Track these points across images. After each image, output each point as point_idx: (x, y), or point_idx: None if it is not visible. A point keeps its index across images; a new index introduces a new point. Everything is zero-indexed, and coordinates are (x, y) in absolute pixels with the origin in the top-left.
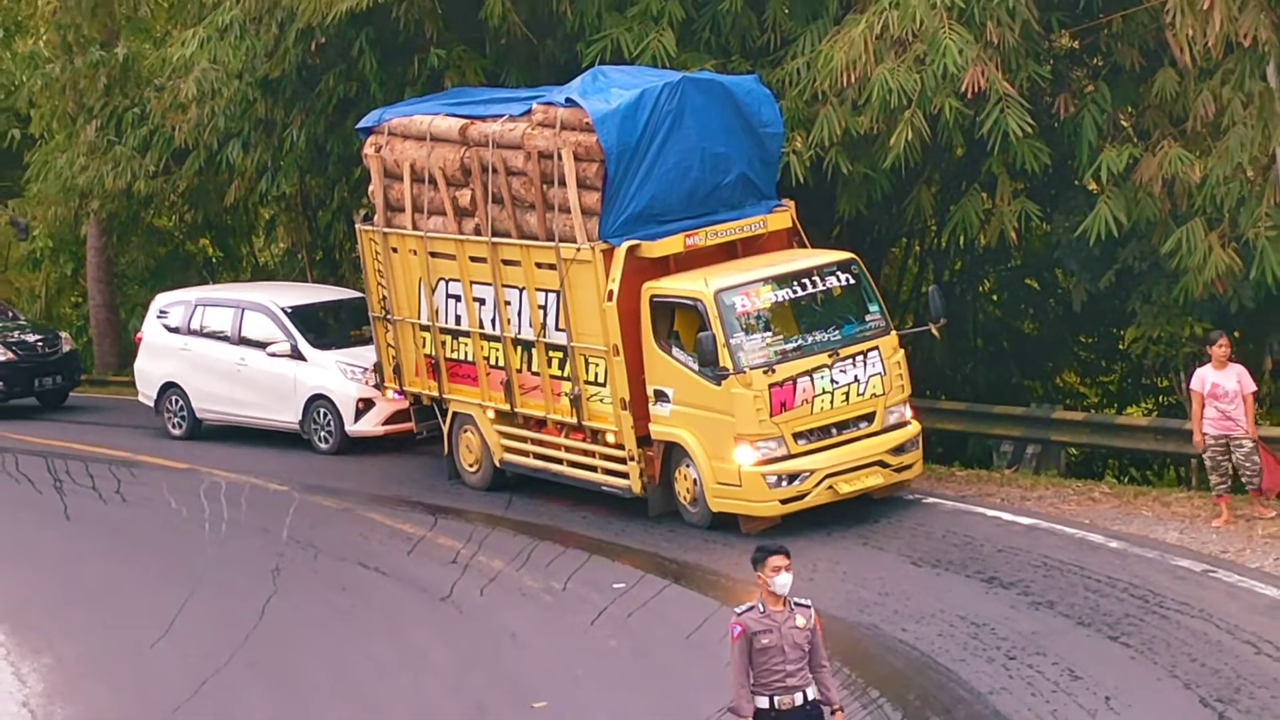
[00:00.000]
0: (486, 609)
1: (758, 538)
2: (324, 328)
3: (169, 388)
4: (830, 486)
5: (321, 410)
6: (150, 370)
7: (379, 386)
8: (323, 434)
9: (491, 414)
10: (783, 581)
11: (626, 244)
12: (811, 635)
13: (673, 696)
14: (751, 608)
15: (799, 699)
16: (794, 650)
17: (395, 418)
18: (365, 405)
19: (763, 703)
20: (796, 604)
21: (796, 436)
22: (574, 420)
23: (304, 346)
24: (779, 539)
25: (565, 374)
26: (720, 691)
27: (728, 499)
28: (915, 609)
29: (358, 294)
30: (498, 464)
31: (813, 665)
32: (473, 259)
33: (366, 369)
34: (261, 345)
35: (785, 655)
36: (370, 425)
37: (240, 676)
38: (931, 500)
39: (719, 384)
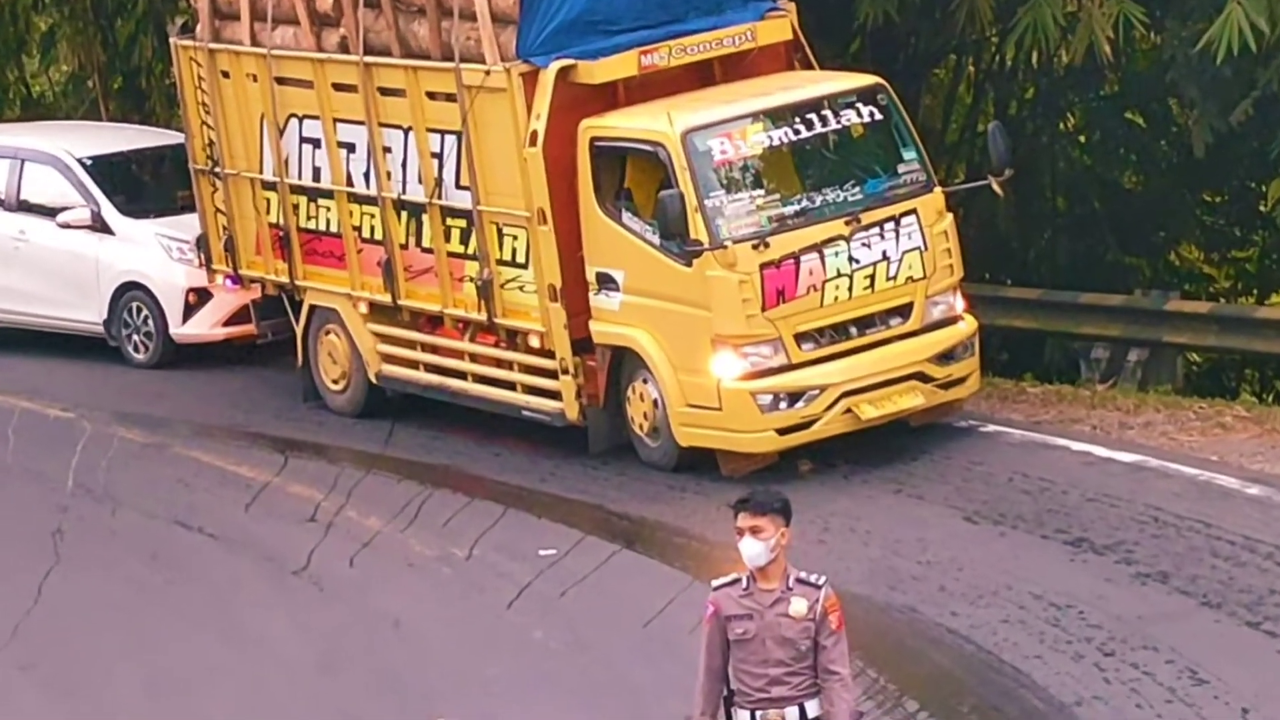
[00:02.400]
0: (359, 586)
1: (744, 483)
2: (139, 187)
3: None
4: (849, 410)
5: (136, 305)
6: None
7: (208, 269)
8: (137, 339)
9: (364, 308)
10: (750, 550)
11: (556, 64)
12: (815, 629)
13: (624, 711)
14: (735, 581)
15: (792, 715)
16: (782, 647)
17: (239, 316)
18: (198, 298)
19: (744, 717)
20: (799, 582)
21: (800, 339)
22: (482, 317)
23: (111, 214)
24: (773, 485)
25: (470, 251)
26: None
27: (702, 428)
28: (970, 584)
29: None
30: (373, 379)
31: (820, 671)
32: (337, 87)
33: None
34: (49, 212)
35: (769, 653)
36: (204, 327)
37: (9, 683)
38: (993, 429)
39: (689, 264)
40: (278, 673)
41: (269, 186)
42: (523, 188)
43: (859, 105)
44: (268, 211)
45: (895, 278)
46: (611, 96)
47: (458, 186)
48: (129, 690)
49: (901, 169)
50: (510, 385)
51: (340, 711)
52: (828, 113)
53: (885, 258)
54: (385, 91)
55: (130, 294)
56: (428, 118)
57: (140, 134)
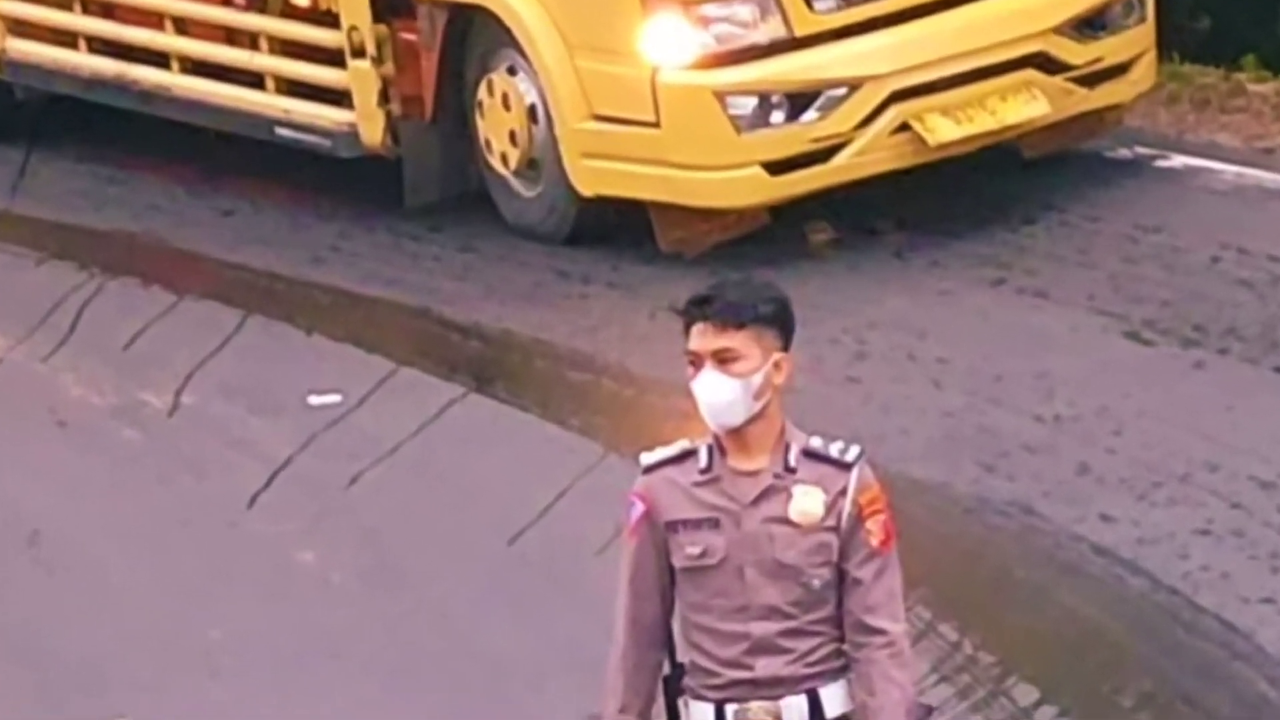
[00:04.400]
0: None
1: (702, 269)
2: None
3: None
4: (906, 127)
5: None
6: None
7: None
8: None
9: None
10: (714, 394)
11: None
12: (841, 547)
13: (464, 702)
14: (685, 455)
15: (792, 712)
16: (775, 583)
17: None
18: None
19: (703, 714)
20: (810, 456)
21: None
22: None
23: None
24: (759, 273)
25: None
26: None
27: (622, 162)
28: (1137, 461)
29: None
30: None
31: (849, 629)
32: None
33: None
34: None
35: (750, 595)
36: None
37: None
38: (1181, 164)
39: None
40: None
41: None
42: None
43: None
44: None
45: None
46: None
47: None
48: None
49: None
50: (254, 80)
51: None
52: None
53: None
54: None
55: None
56: None
57: None
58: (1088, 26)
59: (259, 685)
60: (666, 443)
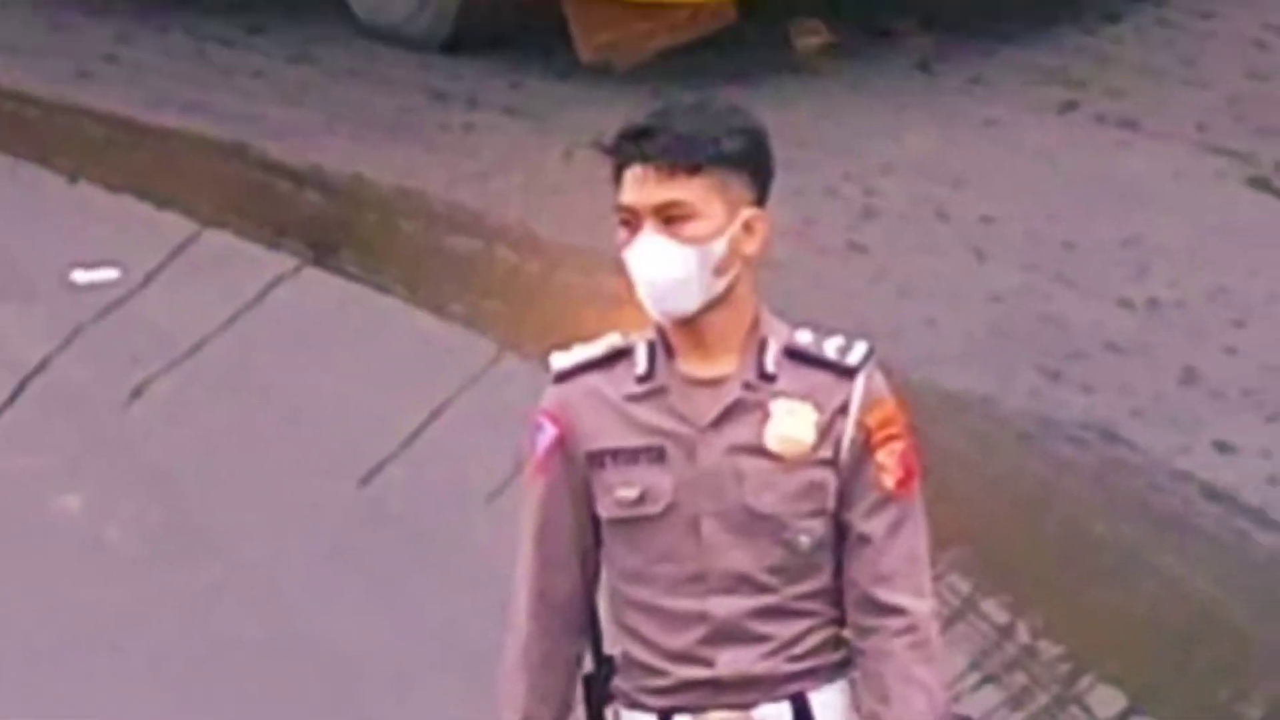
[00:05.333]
0: None
1: (635, 85)
2: None
3: None
4: None
5: None
6: None
7: None
8: None
9: None
10: (656, 267)
11: None
12: (841, 487)
13: (301, 707)
14: (610, 359)
15: None
16: (746, 540)
17: None
18: None
19: None
20: (796, 357)
21: None
22: None
23: None
24: (724, 90)
25: None
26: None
27: None
28: (1270, 364)
29: None
30: None
31: (855, 607)
32: None
33: None
34: None
35: (709, 556)
36: None
37: None
38: None
39: None
40: None
41: None
42: None
43: None
44: None
45: None
46: None
47: None
48: None
49: None
50: None
51: None
52: None
53: None
54: None
55: None
56: None
57: None
58: None
59: (6, 683)
60: (588, 339)
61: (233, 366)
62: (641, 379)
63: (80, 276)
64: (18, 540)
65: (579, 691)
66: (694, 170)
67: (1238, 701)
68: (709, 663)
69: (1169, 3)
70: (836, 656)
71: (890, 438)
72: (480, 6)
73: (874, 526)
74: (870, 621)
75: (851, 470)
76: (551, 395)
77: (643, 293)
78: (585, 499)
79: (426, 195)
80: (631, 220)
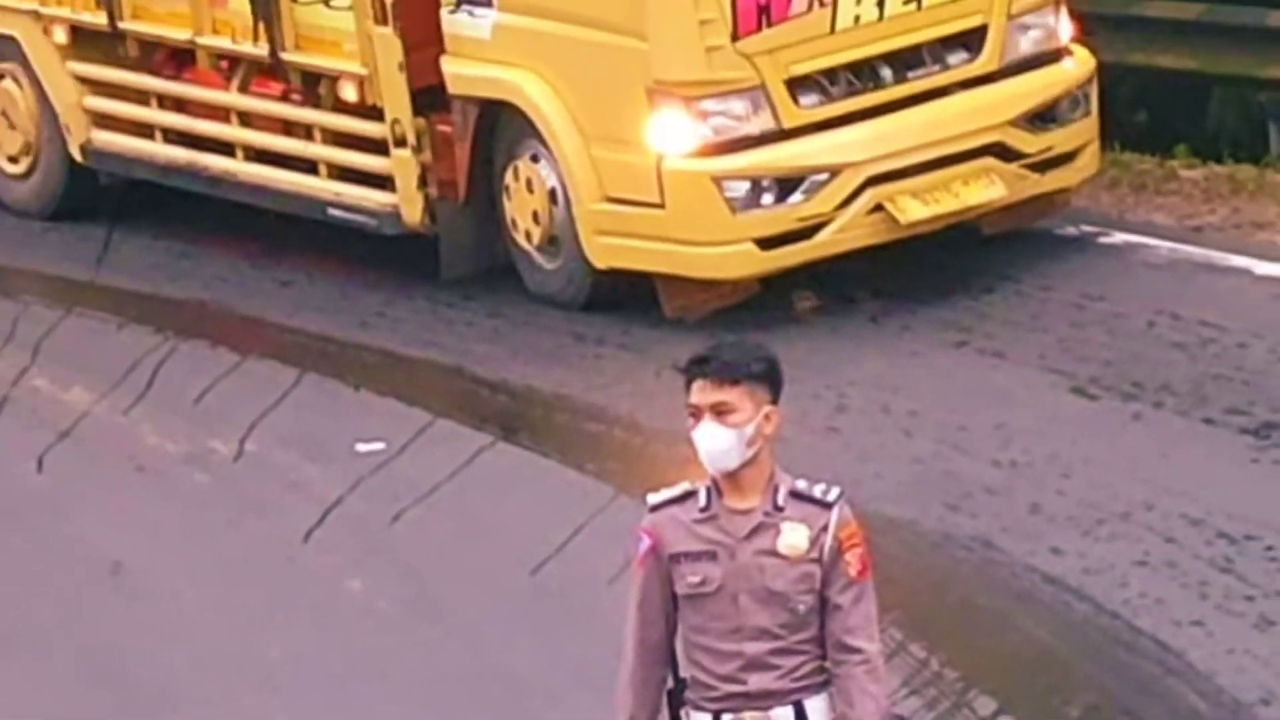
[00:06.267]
0: (51, 504)
1: (702, 331)
2: None
3: None
4: (880, 208)
5: None
6: None
7: None
8: None
9: (63, 34)
10: (712, 443)
11: None
12: (823, 577)
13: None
14: (687, 495)
15: None
16: (765, 608)
17: None
18: None
19: None
20: (796, 497)
21: (797, 88)
22: (262, 51)
23: None
24: (752, 335)
25: None
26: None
27: (631, 238)
28: (1083, 502)
29: None
30: (79, 154)
31: (831, 648)
32: None
33: None
34: None
35: (743, 618)
36: None
37: None
38: (1121, 240)
39: None
40: None
41: None
42: None
43: None
44: None
45: None
46: None
47: None
48: None
49: None
50: (308, 166)
51: None
52: None
53: None
54: None
55: None
56: None
57: None
58: (1039, 120)
59: (313, 702)
60: (670, 485)
61: (455, 502)
62: (702, 510)
63: (361, 447)
64: (321, 611)
65: (664, 700)
66: (734, 383)
67: (1065, 707)
68: (743, 682)
69: (1023, 280)
70: (821, 678)
71: (853, 545)
72: (604, 282)
73: (843, 599)
74: (841, 657)
75: (830, 565)
76: (648, 520)
77: (703, 458)
78: (668, 582)
79: (572, 398)
80: (696, 413)
